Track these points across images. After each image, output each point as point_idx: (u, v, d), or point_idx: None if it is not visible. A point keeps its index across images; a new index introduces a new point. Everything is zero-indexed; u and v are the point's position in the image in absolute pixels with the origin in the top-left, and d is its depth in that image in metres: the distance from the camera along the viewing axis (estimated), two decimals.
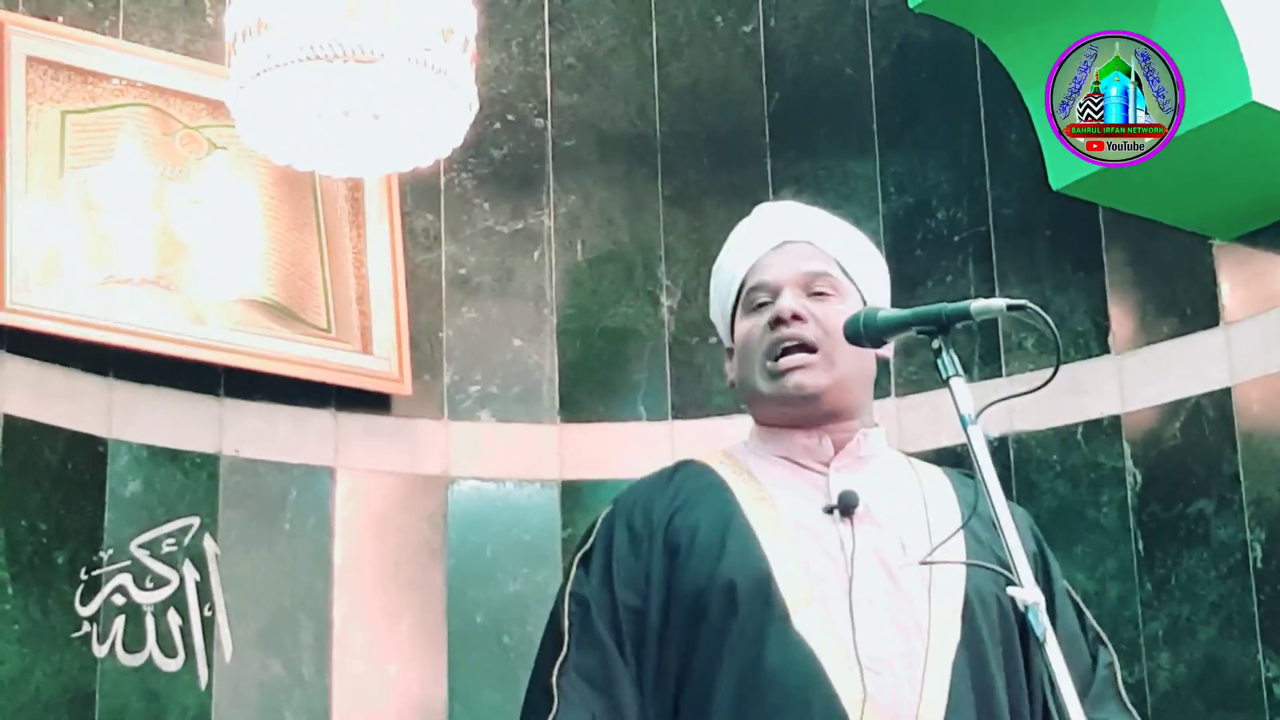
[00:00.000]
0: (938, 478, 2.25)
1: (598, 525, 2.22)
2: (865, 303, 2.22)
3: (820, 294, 2.22)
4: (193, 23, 4.26)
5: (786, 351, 2.20)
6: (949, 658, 2.06)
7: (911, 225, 4.18)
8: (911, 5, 3.70)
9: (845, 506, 2.14)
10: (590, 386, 4.48)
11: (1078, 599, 2.27)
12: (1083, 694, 2.15)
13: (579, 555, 2.21)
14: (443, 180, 4.46)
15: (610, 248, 4.57)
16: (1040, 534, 2.27)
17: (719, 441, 4.25)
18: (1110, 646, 2.25)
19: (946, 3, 3.69)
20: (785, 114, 4.59)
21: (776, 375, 2.20)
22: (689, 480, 2.25)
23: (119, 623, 3.82)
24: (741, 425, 4.52)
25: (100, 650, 3.78)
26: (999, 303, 1.95)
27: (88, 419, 3.88)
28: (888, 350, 2.24)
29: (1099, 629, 2.26)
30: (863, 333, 2.06)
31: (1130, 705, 2.21)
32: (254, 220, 4.17)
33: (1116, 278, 4.10)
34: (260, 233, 4.18)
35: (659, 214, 4.58)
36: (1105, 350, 4.08)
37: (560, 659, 2.13)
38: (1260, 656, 3.71)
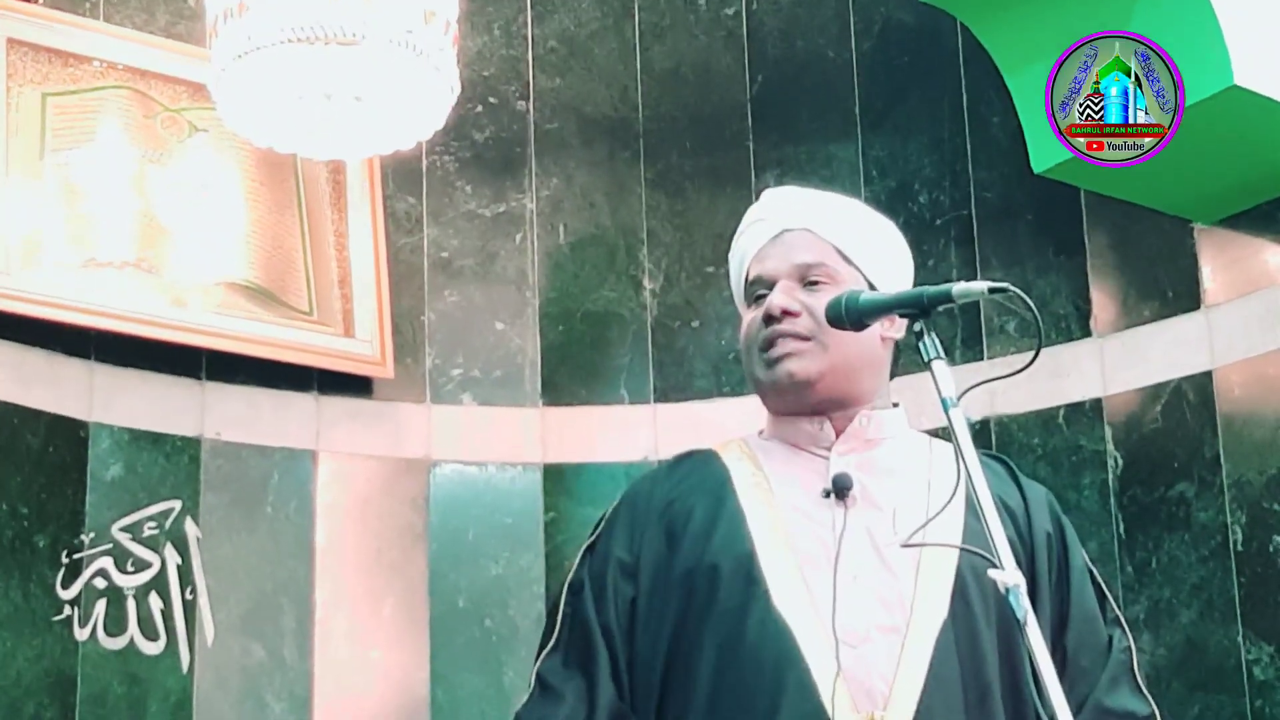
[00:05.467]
0: (951, 459, 2.24)
1: (606, 515, 2.26)
2: (871, 285, 2.22)
3: (815, 283, 2.23)
4: (174, 5, 4.24)
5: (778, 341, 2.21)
6: (933, 633, 2.07)
7: (893, 208, 4.17)
8: None
9: (839, 490, 2.15)
10: (572, 370, 4.47)
11: (1100, 581, 2.26)
12: (1097, 675, 2.16)
13: (586, 545, 2.26)
14: (424, 163, 4.45)
15: (592, 231, 4.56)
16: (1061, 513, 2.27)
17: (701, 425, 4.26)
18: (1128, 631, 2.24)
19: None
20: (767, 97, 4.59)
21: (770, 365, 2.22)
22: (693, 470, 2.28)
23: (100, 606, 3.81)
24: (724, 409, 4.53)
25: (82, 634, 3.77)
26: (981, 286, 1.96)
27: (69, 402, 3.87)
28: (896, 331, 2.24)
29: (1119, 613, 2.26)
30: (844, 316, 2.07)
31: (1145, 690, 2.20)
32: (235, 203, 4.16)
33: (1098, 261, 4.10)
34: (242, 216, 4.16)
35: (641, 197, 4.57)
36: (1087, 333, 4.09)
37: (549, 647, 2.20)
38: (1241, 639, 3.73)
